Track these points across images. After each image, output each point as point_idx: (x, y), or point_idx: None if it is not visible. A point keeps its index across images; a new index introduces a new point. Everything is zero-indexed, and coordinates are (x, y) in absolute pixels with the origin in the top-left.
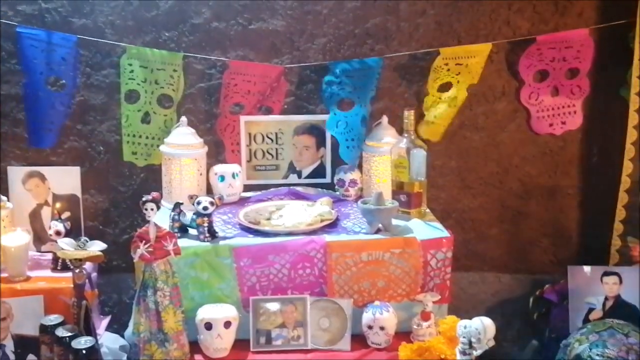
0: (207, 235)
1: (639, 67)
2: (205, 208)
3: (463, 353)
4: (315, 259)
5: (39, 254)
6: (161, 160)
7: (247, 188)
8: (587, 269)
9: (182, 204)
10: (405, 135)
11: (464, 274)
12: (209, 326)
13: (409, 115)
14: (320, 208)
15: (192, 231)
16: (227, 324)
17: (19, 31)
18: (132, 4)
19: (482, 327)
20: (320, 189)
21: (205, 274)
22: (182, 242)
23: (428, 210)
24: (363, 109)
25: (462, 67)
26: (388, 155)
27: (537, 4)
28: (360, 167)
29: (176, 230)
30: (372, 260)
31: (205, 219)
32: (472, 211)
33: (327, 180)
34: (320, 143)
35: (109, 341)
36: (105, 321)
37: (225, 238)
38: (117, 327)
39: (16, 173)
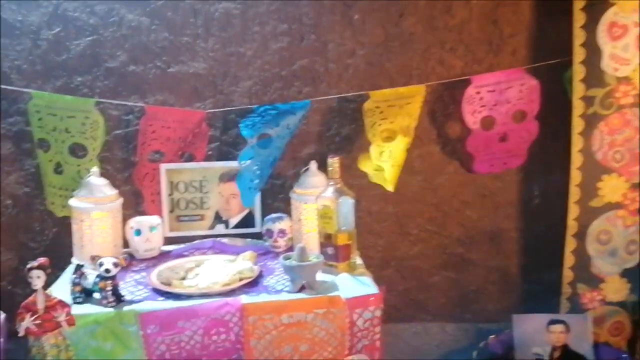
0: (111, 300)
1: (579, 106)
2: (107, 270)
3: None
4: (230, 323)
5: None
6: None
7: (170, 240)
8: (532, 317)
9: (83, 265)
10: (331, 183)
11: (405, 325)
12: None
13: (333, 162)
14: (242, 264)
15: (96, 295)
16: None
17: None
18: (41, 47)
19: None
20: (248, 240)
21: (109, 344)
22: (84, 309)
23: (360, 261)
24: (276, 151)
25: (395, 109)
26: (315, 204)
27: (470, 43)
28: (290, 214)
29: (78, 294)
30: (293, 322)
31: (109, 282)
32: (412, 258)
33: (257, 229)
34: None
35: None
36: None
37: (131, 302)
38: None
39: None
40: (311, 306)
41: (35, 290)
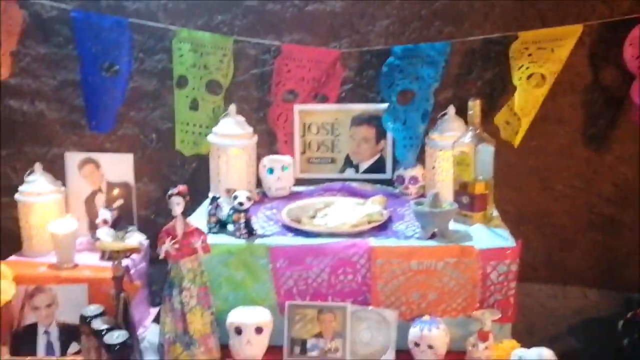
0: (244, 232)
1: None
2: (241, 204)
3: None
4: (357, 265)
5: (92, 240)
6: (209, 150)
7: (300, 182)
8: None
9: (219, 197)
10: (470, 128)
11: (541, 286)
12: (238, 331)
13: (474, 105)
14: (370, 207)
15: (230, 227)
16: (259, 330)
17: (74, 16)
18: None
19: None
20: (378, 185)
21: (240, 274)
22: (218, 239)
23: (496, 214)
24: (425, 102)
25: (546, 51)
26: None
27: None
28: (423, 162)
29: (213, 225)
30: (422, 270)
31: (242, 214)
32: (554, 216)
33: (387, 175)
34: (381, 135)
35: (153, 335)
36: (155, 312)
37: (262, 236)
38: None
39: (73, 159)
40: (442, 254)
41: (175, 217)
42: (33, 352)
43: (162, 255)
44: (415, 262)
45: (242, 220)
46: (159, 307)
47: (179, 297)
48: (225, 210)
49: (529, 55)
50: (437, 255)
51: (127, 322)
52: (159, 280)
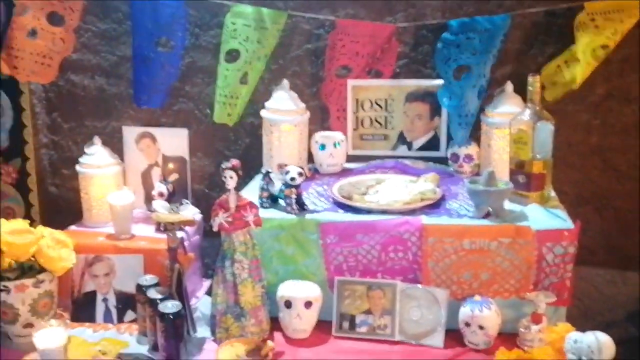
0: (295, 207)
1: None
2: (292, 179)
3: None
4: (409, 242)
5: (149, 212)
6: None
7: (352, 158)
8: None
9: (271, 172)
10: (529, 105)
11: (599, 270)
12: (288, 304)
13: (534, 81)
14: (424, 185)
15: (281, 202)
16: (308, 304)
17: None
18: None
19: (597, 345)
20: (431, 163)
21: (291, 249)
22: (270, 213)
23: (553, 194)
24: (481, 79)
25: (614, 22)
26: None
27: None
28: (478, 140)
29: (265, 200)
30: (475, 249)
31: (293, 190)
32: (615, 198)
33: (441, 153)
34: (435, 112)
35: (205, 306)
36: (207, 283)
37: (313, 212)
38: None
39: (130, 133)
40: (496, 234)
41: (228, 190)
42: (92, 319)
43: (215, 228)
44: (468, 241)
45: (294, 196)
46: (211, 280)
47: (231, 269)
48: (277, 185)
49: (596, 27)
50: (491, 234)
51: (180, 293)
52: (212, 253)
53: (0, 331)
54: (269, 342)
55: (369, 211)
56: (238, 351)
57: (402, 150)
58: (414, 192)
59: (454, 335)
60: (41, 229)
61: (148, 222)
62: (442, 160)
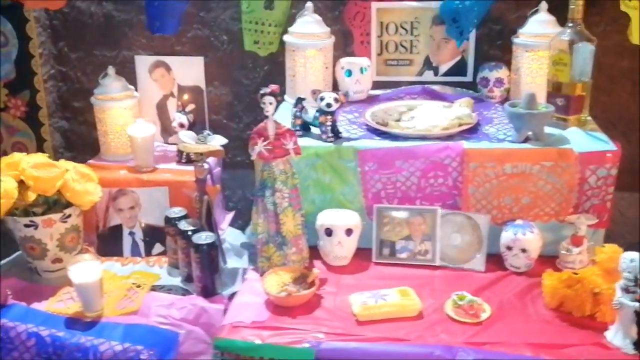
0: (330, 135)
1: None
2: (328, 105)
3: (625, 290)
4: (449, 168)
5: (166, 145)
6: (285, 51)
7: (376, 85)
8: None
9: (304, 99)
10: (570, 25)
11: (624, 193)
12: (329, 232)
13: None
14: (459, 110)
15: (315, 130)
16: (349, 232)
17: None
18: None
19: None
20: (459, 89)
21: (327, 177)
22: (304, 141)
23: (589, 118)
24: None
25: None
26: (543, 51)
27: None
28: (508, 63)
29: (298, 127)
30: (517, 173)
31: (329, 117)
32: None
33: (468, 78)
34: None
35: (231, 237)
36: (229, 216)
37: (349, 139)
38: (240, 222)
39: (143, 62)
40: (538, 157)
41: (266, 117)
42: (118, 253)
43: (254, 156)
44: (509, 165)
45: (329, 123)
46: (232, 212)
47: (271, 198)
48: (311, 112)
49: None
50: (533, 158)
51: (209, 224)
52: (232, 185)
53: (30, 267)
54: (315, 270)
55: (405, 137)
56: (284, 279)
57: (428, 75)
58: (451, 117)
59: (493, 259)
60: (64, 163)
61: (165, 154)
62: (470, 85)
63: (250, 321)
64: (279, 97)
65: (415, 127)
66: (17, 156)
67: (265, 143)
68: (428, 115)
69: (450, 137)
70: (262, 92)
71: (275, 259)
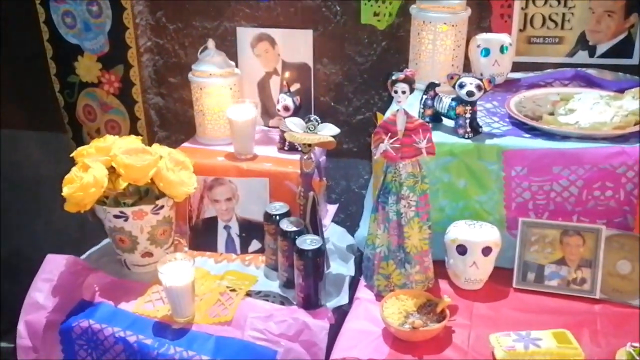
0: (469, 129)
1: None
2: (470, 93)
3: None
4: (623, 178)
5: (266, 128)
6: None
7: (515, 67)
8: None
9: (438, 84)
10: None
11: None
12: (462, 250)
13: None
14: (632, 103)
15: (448, 122)
16: (487, 251)
17: None
18: None
19: None
20: (622, 74)
21: (462, 181)
22: (436, 136)
23: None
24: None
25: None
26: None
27: None
28: None
29: (427, 118)
30: None
31: (468, 107)
32: None
33: (634, 61)
34: (632, 7)
35: (335, 236)
36: (332, 210)
37: (492, 135)
38: (343, 217)
39: (245, 35)
40: None
41: (397, 109)
42: (212, 247)
43: (377, 155)
44: None
45: (468, 115)
46: (336, 205)
47: (395, 206)
48: (445, 102)
49: None
50: None
51: (313, 224)
52: (336, 175)
53: (120, 259)
54: (445, 297)
55: (564, 136)
56: (407, 306)
57: (581, 56)
58: (622, 112)
59: None
60: (158, 148)
61: (267, 140)
62: (634, 70)
63: (367, 358)
64: (414, 84)
65: (578, 123)
66: (109, 139)
67: (392, 140)
68: (591, 109)
69: (622, 138)
70: (394, 77)
71: (395, 279)
